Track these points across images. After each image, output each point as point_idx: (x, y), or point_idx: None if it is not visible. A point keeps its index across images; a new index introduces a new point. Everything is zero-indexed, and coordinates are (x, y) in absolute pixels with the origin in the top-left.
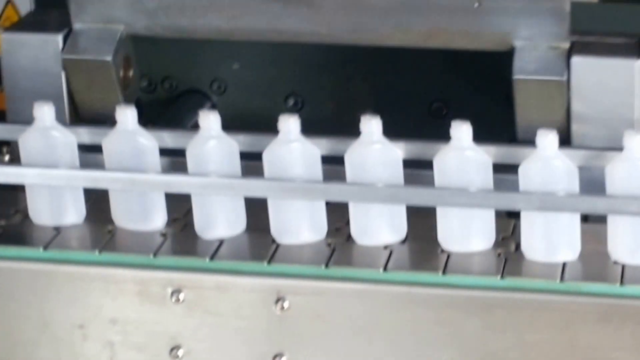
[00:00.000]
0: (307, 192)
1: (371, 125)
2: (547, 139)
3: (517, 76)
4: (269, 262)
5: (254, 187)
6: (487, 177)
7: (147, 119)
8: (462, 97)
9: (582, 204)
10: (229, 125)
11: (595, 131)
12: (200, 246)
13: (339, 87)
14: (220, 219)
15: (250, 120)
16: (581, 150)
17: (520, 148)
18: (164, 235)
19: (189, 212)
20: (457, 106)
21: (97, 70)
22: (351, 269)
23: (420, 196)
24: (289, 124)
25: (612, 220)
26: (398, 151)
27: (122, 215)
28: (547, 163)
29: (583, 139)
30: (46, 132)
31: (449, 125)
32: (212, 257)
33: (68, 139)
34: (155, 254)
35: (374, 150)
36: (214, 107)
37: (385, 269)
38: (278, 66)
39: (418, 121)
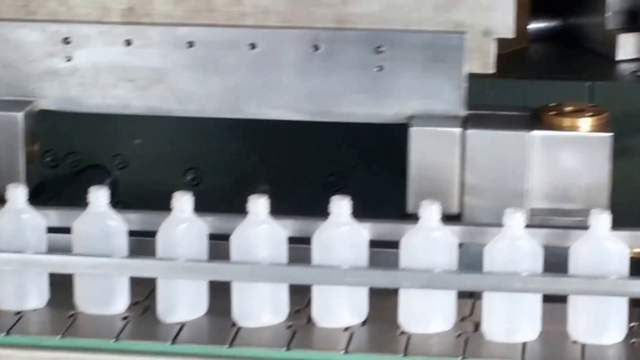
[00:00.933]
0: (272, 276)
1: (340, 206)
2: (514, 219)
3: (412, 149)
4: (230, 345)
5: (222, 271)
6: (452, 258)
7: (50, 195)
8: (356, 171)
9: (546, 285)
10: (130, 200)
11: (487, 202)
12: (162, 330)
13: (237, 161)
14: (182, 302)
15: (150, 195)
16: (545, 229)
17: (487, 228)
18: (125, 318)
19: (151, 293)
20: (352, 180)
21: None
22: (312, 351)
23: (385, 278)
24: (258, 205)
25: (572, 300)
26: (366, 232)
27: (85, 299)
28: (513, 243)
29: (474, 210)
30: (16, 215)
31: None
32: (173, 341)
33: (37, 221)
34: (116, 338)
35: (343, 232)
36: (115, 182)
37: (346, 351)
38: (178, 141)
39: (313, 195)
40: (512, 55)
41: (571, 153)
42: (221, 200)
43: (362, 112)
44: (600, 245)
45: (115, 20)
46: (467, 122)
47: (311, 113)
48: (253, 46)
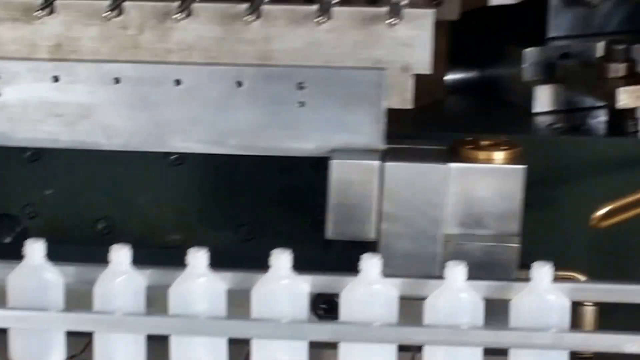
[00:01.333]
0: (211, 329)
1: (280, 260)
2: (456, 271)
3: (333, 180)
4: None
5: (159, 325)
6: (392, 311)
7: None
8: (267, 221)
9: (486, 338)
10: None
11: (404, 229)
12: None
13: (148, 210)
14: (119, 356)
15: (61, 244)
16: (486, 282)
17: (428, 280)
18: None
19: (87, 346)
20: (263, 230)
21: None
22: None
23: (324, 332)
24: (197, 258)
25: (512, 353)
26: (306, 286)
27: (20, 352)
28: (453, 295)
29: (390, 237)
30: None
31: (257, 250)
32: None
33: None
34: None
35: (282, 285)
36: (25, 231)
37: None
38: (89, 190)
39: (226, 245)
40: (430, 107)
41: (486, 184)
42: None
43: (284, 146)
44: (541, 298)
45: (43, 57)
46: (386, 155)
47: (235, 147)
48: (178, 82)
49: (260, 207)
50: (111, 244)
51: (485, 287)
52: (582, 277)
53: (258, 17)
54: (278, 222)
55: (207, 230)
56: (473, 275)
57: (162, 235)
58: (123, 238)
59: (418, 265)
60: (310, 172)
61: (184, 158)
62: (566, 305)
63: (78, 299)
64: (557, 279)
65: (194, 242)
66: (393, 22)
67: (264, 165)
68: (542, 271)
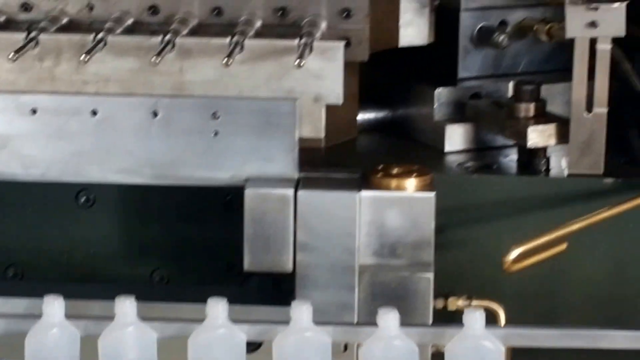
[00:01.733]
0: None
1: (217, 309)
2: (389, 318)
3: (248, 209)
4: None
5: None
6: (326, 358)
7: None
8: (180, 265)
9: None
10: None
11: (319, 259)
12: None
13: (58, 256)
14: None
15: None
16: (420, 327)
17: (362, 327)
18: None
19: None
20: (179, 274)
21: None
22: None
23: None
24: (125, 306)
25: None
26: (242, 335)
27: None
28: (388, 343)
29: (306, 267)
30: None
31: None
32: None
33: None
34: None
35: (219, 335)
36: None
37: None
38: None
39: (143, 289)
40: (342, 147)
41: (398, 212)
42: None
43: (199, 176)
44: (476, 344)
45: None
46: (299, 184)
47: (151, 177)
48: (94, 113)
49: (174, 250)
50: (23, 290)
51: (420, 333)
52: (498, 308)
53: (172, 49)
54: (192, 265)
55: (121, 274)
56: (389, 305)
57: (74, 280)
58: (35, 284)
59: (335, 297)
60: (224, 213)
61: (95, 200)
62: (500, 350)
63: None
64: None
65: (107, 288)
66: (301, 64)
67: (177, 207)
68: (475, 316)
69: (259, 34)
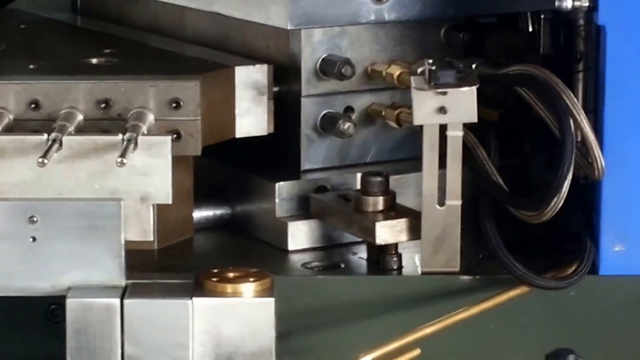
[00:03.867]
0: None
1: None
2: None
3: (70, 321)
4: None
5: None
6: None
7: None
8: None
9: None
10: None
11: None
12: None
13: None
14: None
15: None
16: None
17: None
18: None
19: None
20: None
21: None
22: None
23: None
24: None
25: None
26: None
27: None
28: None
29: None
30: None
31: None
32: None
33: None
34: None
35: None
36: None
37: None
38: None
39: None
40: (176, 248)
41: (234, 319)
42: None
43: (17, 286)
44: None
45: None
46: (127, 292)
47: None
48: None
49: None
50: None
51: None
52: None
53: None
54: None
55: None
56: None
57: None
58: None
59: None
60: (48, 324)
61: None
62: None
63: None
64: None
65: None
66: (123, 161)
67: None
68: None
69: (80, 130)
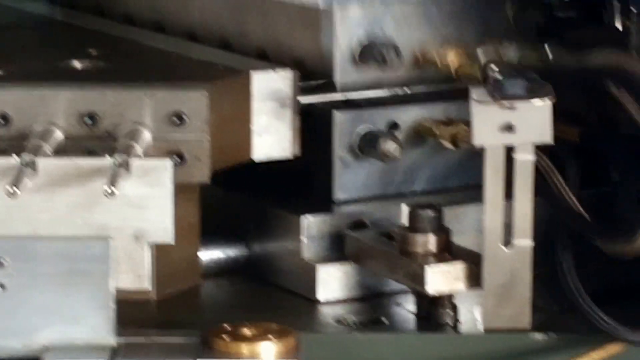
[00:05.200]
0: None
1: None
2: None
3: None
4: None
5: None
6: None
7: None
8: None
9: None
10: None
11: None
12: None
13: None
14: None
15: None
16: None
17: None
18: None
19: None
20: None
21: None
22: None
23: None
24: None
25: None
26: None
27: None
28: None
29: None
30: None
31: None
32: None
33: None
34: None
35: None
36: None
37: None
38: None
39: None
40: (180, 298)
41: None
42: None
43: None
44: None
45: None
46: (117, 353)
47: None
48: None
49: None
50: None
51: None
52: None
53: None
54: None
55: None
56: None
57: None
58: None
59: None
60: None
61: None
62: None
63: None
64: None
65: None
66: (113, 190)
67: None
68: None
69: (59, 150)
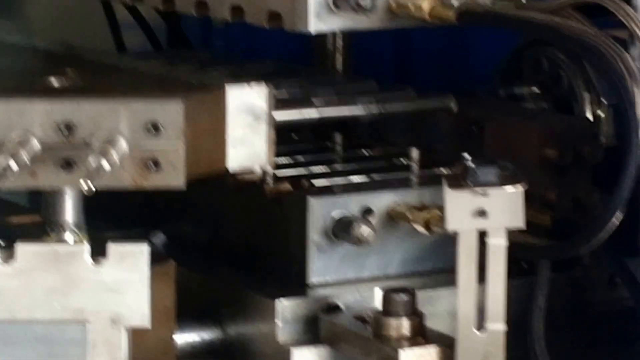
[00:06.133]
0: None
1: None
2: None
3: None
4: None
5: None
6: None
7: None
8: None
9: None
10: None
11: None
12: None
13: None
14: None
15: None
16: None
17: None
18: None
19: None
20: None
21: None
22: None
23: None
24: None
25: None
26: None
27: None
28: None
29: None
30: None
31: None
32: None
33: None
34: None
35: None
36: None
37: None
38: None
39: None
40: None
41: None
42: None
43: None
44: None
45: None
46: None
47: None
48: None
49: None
50: None
51: None
52: None
53: None
54: None
55: None
56: None
57: None
58: None
59: None
60: None
61: None
62: None
63: None
64: None
65: None
66: (89, 187)
67: None
68: None
69: (36, 159)
